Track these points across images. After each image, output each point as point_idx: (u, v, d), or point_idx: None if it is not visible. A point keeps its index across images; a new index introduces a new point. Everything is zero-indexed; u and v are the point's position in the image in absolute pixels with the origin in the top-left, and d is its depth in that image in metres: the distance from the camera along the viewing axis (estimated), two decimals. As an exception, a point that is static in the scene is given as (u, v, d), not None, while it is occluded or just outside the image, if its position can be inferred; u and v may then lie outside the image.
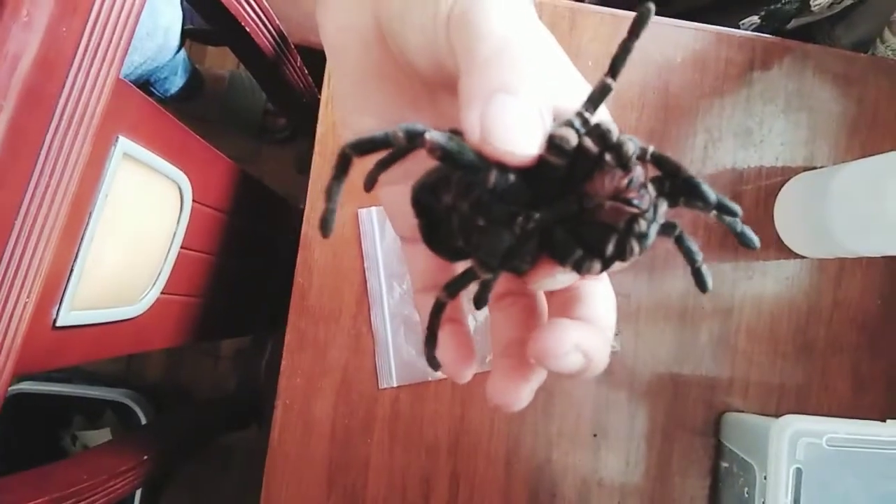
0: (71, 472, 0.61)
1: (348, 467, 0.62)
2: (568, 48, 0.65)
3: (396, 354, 0.63)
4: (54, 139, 0.43)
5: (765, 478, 0.55)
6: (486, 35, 0.24)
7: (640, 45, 0.69)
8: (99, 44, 0.44)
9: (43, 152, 0.42)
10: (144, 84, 1.09)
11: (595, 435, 0.64)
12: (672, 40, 0.66)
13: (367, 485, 0.62)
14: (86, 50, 0.43)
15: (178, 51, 0.97)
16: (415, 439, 0.63)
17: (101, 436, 1.36)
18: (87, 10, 0.43)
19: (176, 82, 1.21)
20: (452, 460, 0.63)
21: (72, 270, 0.48)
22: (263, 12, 0.68)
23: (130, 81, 0.56)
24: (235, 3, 0.72)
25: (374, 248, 0.63)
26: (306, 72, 0.82)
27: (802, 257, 0.66)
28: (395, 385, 0.63)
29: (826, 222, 0.59)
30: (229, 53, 0.89)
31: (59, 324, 0.48)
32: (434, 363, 0.29)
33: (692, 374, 0.66)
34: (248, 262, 0.85)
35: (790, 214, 0.65)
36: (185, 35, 0.96)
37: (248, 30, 0.73)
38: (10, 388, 1.27)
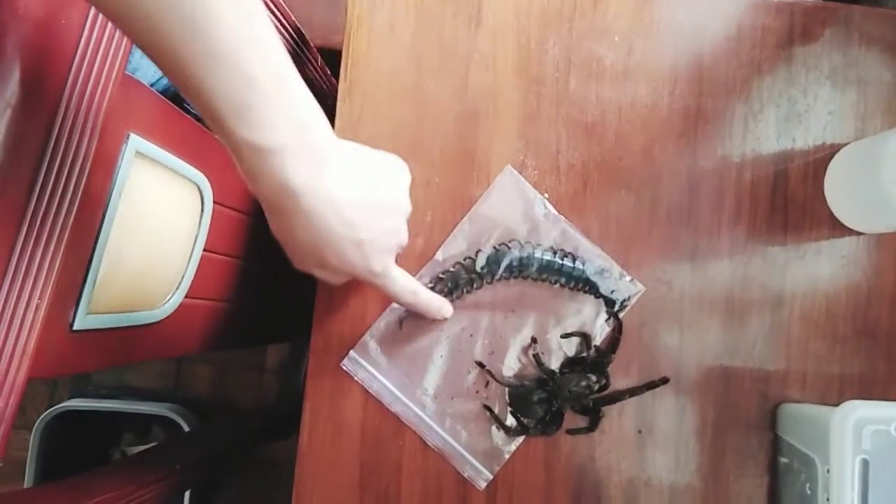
0: (103, 482, 0.60)
1: (380, 471, 0.60)
2: (592, 25, 0.63)
3: (473, 454, 0.60)
4: (60, 135, 0.42)
5: (828, 471, 0.50)
6: None
7: (668, 16, 0.66)
8: (102, 36, 0.43)
9: (49, 148, 0.42)
10: (177, 101, 1.10)
11: (640, 431, 0.61)
12: (703, 9, 0.63)
13: (401, 488, 0.59)
14: (88, 42, 0.42)
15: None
16: (448, 440, 0.60)
17: (150, 451, 1.37)
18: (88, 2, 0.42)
19: (209, 99, 1.21)
20: (488, 461, 0.60)
21: (87, 272, 0.48)
22: (281, 13, 0.67)
23: (157, 92, 0.55)
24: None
25: (381, 384, 0.60)
26: (329, 72, 0.81)
27: (859, 233, 0.61)
28: (491, 478, 0.60)
29: (883, 193, 0.55)
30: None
31: (76, 327, 0.47)
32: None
33: (743, 364, 0.61)
34: (276, 266, 0.84)
35: (843, 187, 0.61)
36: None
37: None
38: (59, 406, 1.29)
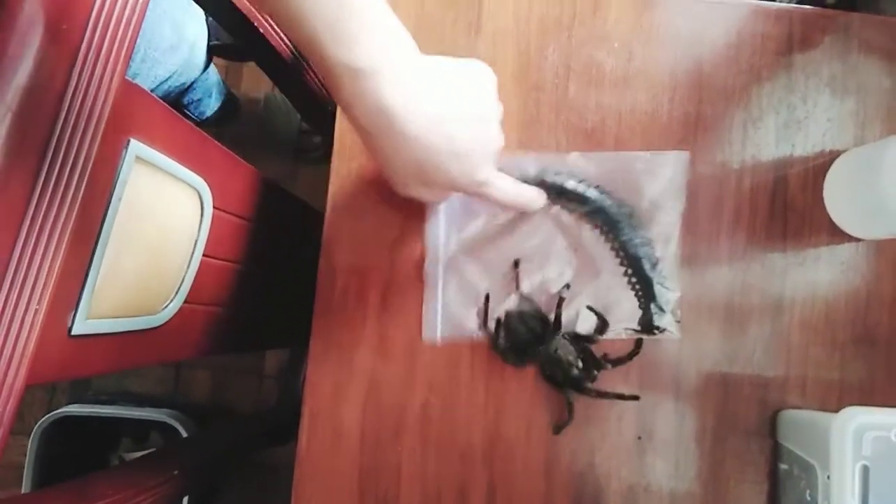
0: (102, 486, 0.60)
1: (379, 476, 0.60)
2: (591, 31, 0.63)
3: (445, 309, 0.61)
4: (60, 140, 0.42)
5: (828, 478, 0.50)
6: None
7: (668, 22, 0.66)
8: (103, 41, 0.43)
9: (48, 153, 0.42)
10: (179, 106, 1.10)
11: (640, 437, 0.60)
12: (702, 16, 0.63)
13: (400, 494, 0.59)
14: (88, 47, 0.42)
15: (205, 68, 0.98)
16: (448, 446, 0.60)
17: (148, 457, 1.37)
18: (89, 7, 0.42)
19: (211, 105, 1.22)
20: (488, 467, 0.60)
21: (86, 277, 0.47)
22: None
23: (158, 97, 0.55)
24: (258, 15, 0.72)
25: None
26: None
27: (858, 240, 0.61)
28: (437, 339, 0.60)
29: (882, 199, 0.55)
30: (264, 77, 0.91)
31: (74, 332, 0.47)
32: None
33: (743, 371, 0.61)
34: (275, 271, 0.84)
35: (842, 194, 0.61)
36: (212, 51, 0.97)
37: (267, 38, 0.72)
38: (57, 411, 1.29)
